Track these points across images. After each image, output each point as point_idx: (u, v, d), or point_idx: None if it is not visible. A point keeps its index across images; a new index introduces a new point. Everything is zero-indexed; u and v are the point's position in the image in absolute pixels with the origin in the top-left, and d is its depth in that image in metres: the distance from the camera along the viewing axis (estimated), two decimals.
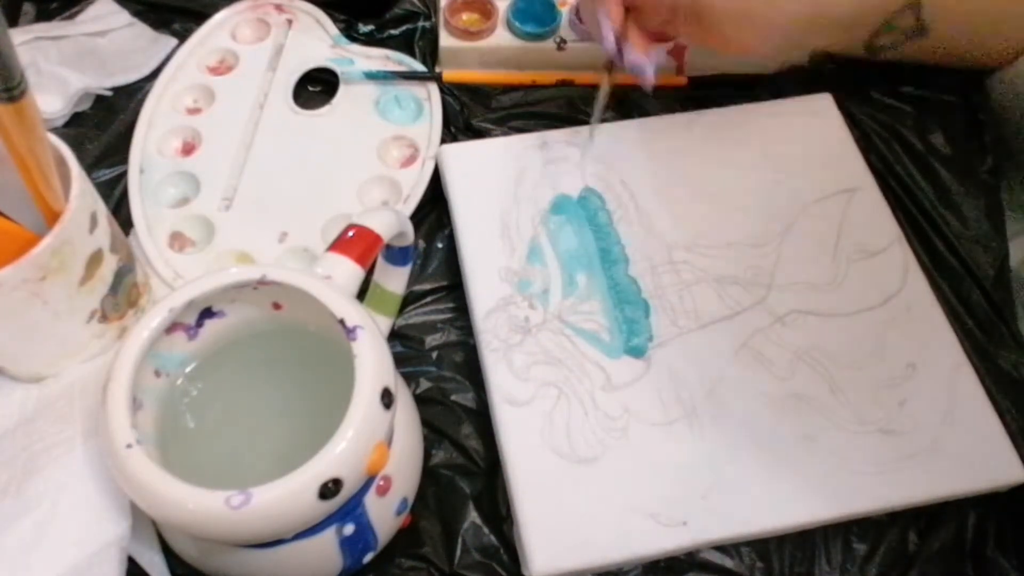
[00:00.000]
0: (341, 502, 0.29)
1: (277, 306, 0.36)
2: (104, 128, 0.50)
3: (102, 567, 0.34)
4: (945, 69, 0.51)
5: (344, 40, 0.53)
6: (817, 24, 0.43)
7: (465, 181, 0.47)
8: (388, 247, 0.38)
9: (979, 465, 0.39)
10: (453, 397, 0.42)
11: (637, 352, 0.42)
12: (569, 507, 0.37)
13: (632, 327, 0.42)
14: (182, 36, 0.53)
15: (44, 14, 0.54)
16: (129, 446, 0.29)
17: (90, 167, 0.48)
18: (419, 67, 0.52)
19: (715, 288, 0.43)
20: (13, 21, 0.54)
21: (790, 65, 0.54)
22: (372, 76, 0.51)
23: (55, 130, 0.49)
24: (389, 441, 0.32)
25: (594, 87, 0.52)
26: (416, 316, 0.45)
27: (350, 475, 0.29)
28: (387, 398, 0.30)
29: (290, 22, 0.54)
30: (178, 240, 0.46)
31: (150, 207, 0.47)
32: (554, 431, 0.39)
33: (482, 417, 0.41)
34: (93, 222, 0.36)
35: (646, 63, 0.43)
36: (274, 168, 0.48)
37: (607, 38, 0.43)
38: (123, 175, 0.48)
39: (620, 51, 0.43)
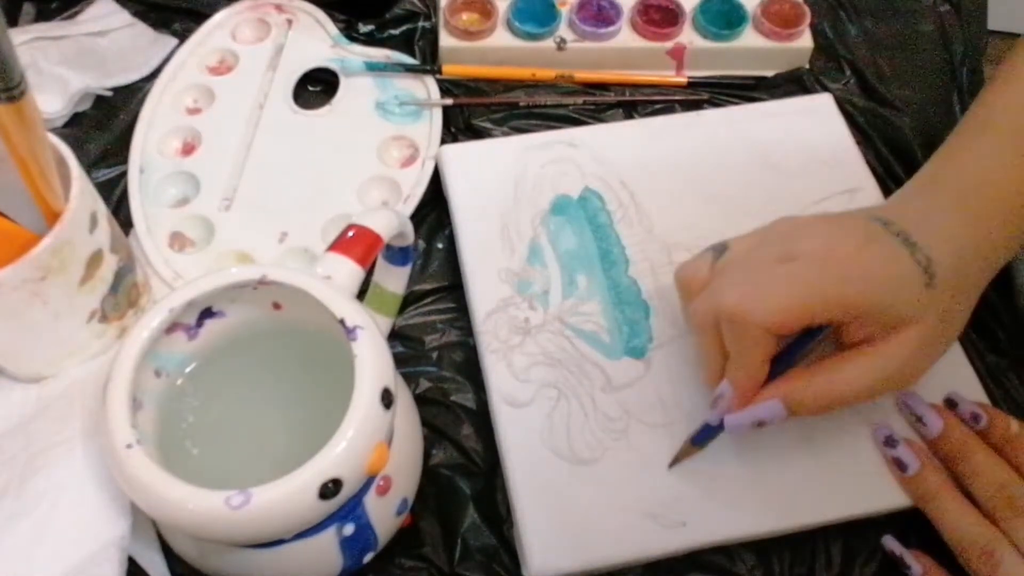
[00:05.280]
0: (341, 502, 0.29)
1: (277, 306, 0.36)
2: (104, 128, 0.50)
3: (102, 567, 0.34)
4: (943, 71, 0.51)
5: (344, 40, 0.53)
6: None
7: (465, 181, 0.47)
8: (388, 247, 0.38)
9: None
10: (453, 397, 0.42)
11: (637, 353, 0.42)
12: (569, 508, 0.37)
13: (632, 328, 0.42)
14: (182, 36, 0.53)
15: (44, 14, 0.54)
16: (129, 446, 0.29)
17: (90, 167, 0.48)
18: None
19: None
20: (13, 21, 0.54)
21: (790, 66, 0.54)
22: (373, 67, 0.51)
23: (55, 130, 0.49)
24: (389, 441, 0.32)
25: (592, 85, 0.53)
26: (416, 316, 0.45)
27: (350, 475, 0.29)
28: (387, 398, 0.30)
29: (290, 22, 0.54)
30: (178, 240, 0.46)
31: (150, 207, 0.47)
32: (554, 432, 0.39)
33: (482, 417, 0.41)
34: (93, 222, 0.36)
35: (749, 424, 0.36)
36: (274, 168, 0.48)
37: (719, 410, 0.36)
38: (123, 175, 0.48)
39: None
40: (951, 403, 0.40)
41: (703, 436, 0.38)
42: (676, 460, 0.38)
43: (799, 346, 0.36)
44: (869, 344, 0.35)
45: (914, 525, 0.39)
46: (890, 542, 0.38)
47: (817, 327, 0.35)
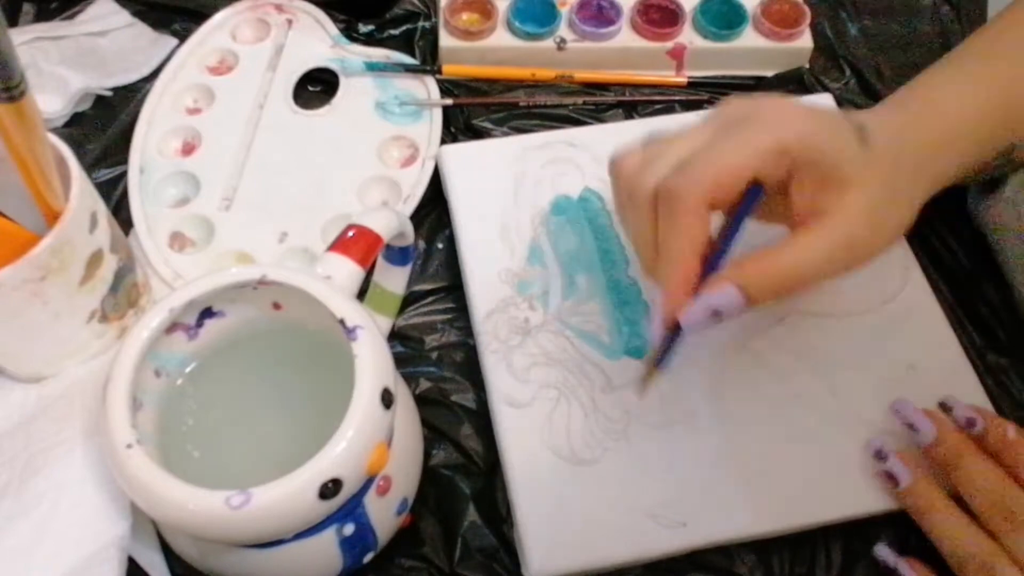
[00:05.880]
0: (341, 502, 0.29)
1: (277, 306, 0.36)
2: (104, 128, 0.50)
3: (102, 567, 0.34)
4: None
5: (344, 40, 0.53)
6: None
7: (465, 182, 0.47)
8: (388, 247, 0.38)
9: None
10: (453, 397, 0.42)
11: (637, 354, 0.42)
12: (569, 508, 0.37)
13: (632, 328, 0.42)
14: (182, 36, 0.53)
15: (44, 14, 0.54)
16: (129, 446, 0.29)
17: (90, 167, 0.48)
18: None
19: None
20: (13, 21, 0.54)
21: (790, 66, 0.54)
22: (373, 67, 0.51)
23: (55, 130, 0.49)
24: (389, 441, 0.32)
25: (592, 85, 0.53)
26: (416, 316, 0.45)
27: (350, 475, 0.29)
28: (387, 398, 0.30)
29: (290, 22, 0.54)
30: (178, 240, 0.46)
31: (150, 207, 0.47)
32: (554, 433, 0.39)
33: (482, 417, 0.41)
34: (93, 222, 0.36)
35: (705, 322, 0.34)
36: (274, 168, 0.48)
37: (662, 311, 0.35)
38: (123, 175, 0.48)
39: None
40: (946, 407, 0.38)
41: (663, 354, 0.36)
42: (643, 386, 0.37)
43: (733, 230, 0.35)
44: (816, 217, 0.34)
45: (913, 526, 0.39)
46: (882, 552, 0.37)
47: (750, 198, 0.34)
